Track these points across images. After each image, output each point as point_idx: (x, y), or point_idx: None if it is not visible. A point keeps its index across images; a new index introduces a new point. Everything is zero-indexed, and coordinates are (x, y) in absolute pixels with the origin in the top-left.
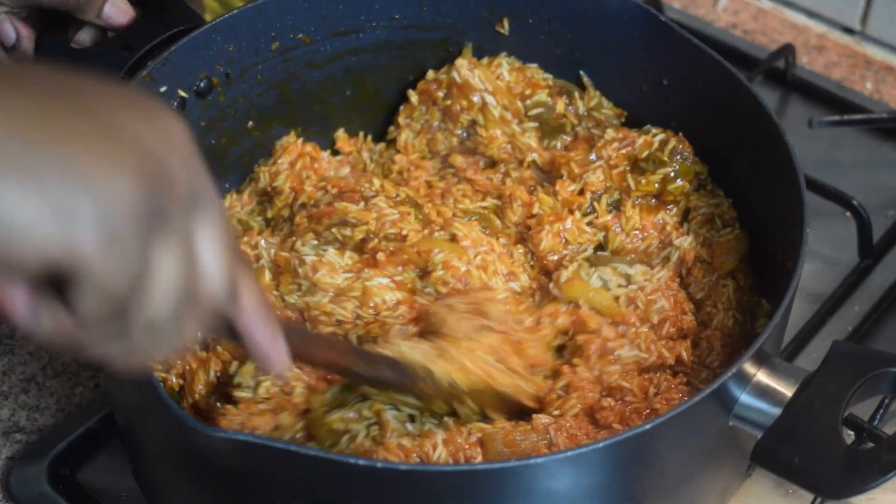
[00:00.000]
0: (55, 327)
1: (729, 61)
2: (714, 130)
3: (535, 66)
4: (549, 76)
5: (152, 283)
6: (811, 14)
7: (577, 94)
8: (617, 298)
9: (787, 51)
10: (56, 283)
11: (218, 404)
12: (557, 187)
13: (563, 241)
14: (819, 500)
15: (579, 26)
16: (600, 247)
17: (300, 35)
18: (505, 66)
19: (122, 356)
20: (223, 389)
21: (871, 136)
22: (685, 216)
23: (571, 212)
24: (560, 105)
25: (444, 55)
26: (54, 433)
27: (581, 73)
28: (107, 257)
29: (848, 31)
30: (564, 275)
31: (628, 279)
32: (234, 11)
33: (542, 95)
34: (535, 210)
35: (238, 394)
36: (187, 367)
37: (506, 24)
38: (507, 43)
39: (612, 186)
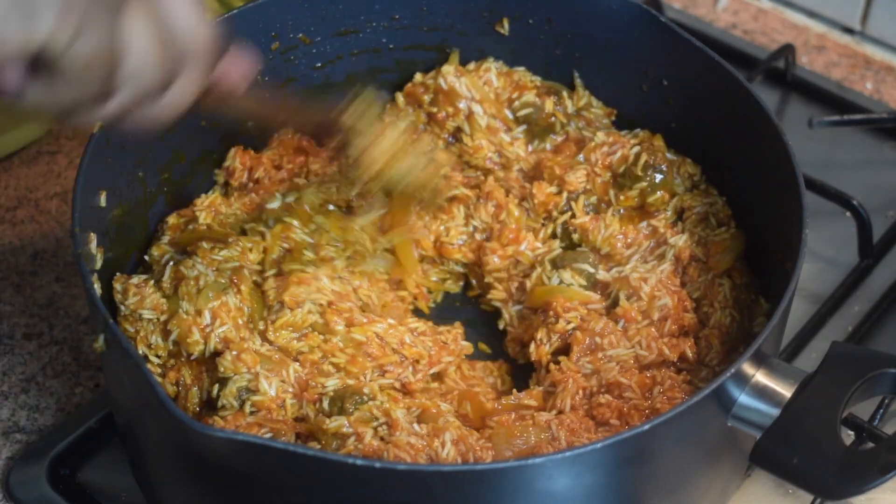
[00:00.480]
0: (37, 99)
1: (729, 61)
2: (713, 130)
3: (522, 69)
4: (538, 78)
5: (127, 46)
6: (811, 14)
7: (565, 94)
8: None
9: (787, 51)
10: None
11: (207, 420)
12: (535, 189)
13: (514, 262)
14: (819, 501)
15: (579, 26)
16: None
17: (300, 35)
18: (493, 70)
19: (130, 117)
20: (212, 410)
21: (871, 136)
22: (680, 216)
23: (536, 230)
24: (549, 104)
25: (443, 56)
26: (54, 433)
27: (574, 72)
28: (73, 34)
29: (848, 31)
30: (528, 284)
31: (591, 277)
32: (234, 11)
33: (530, 96)
34: (503, 216)
35: (223, 414)
36: (181, 381)
37: (506, 24)
38: (507, 43)
39: (592, 190)
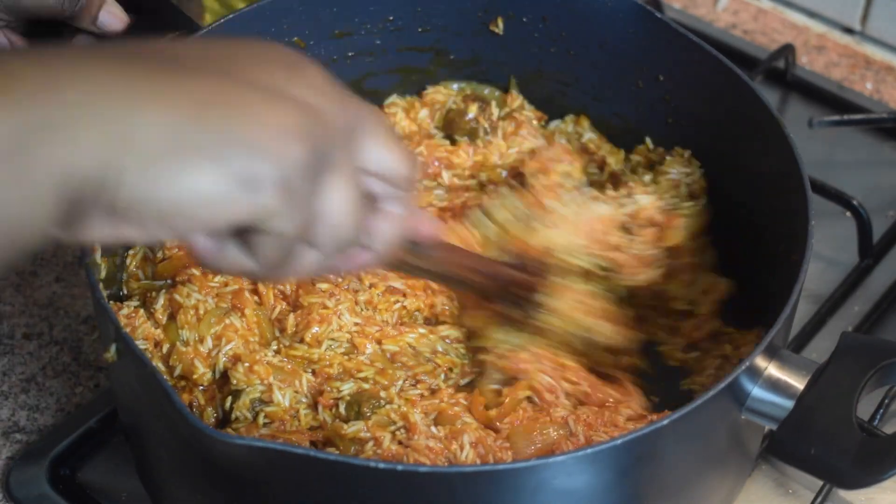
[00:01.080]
0: (235, 267)
1: (729, 61)
2: (711, 125)
3: (440, 87)
4: (464, 84)
5: (326, 209)
6: (811, 14)
7: (494, 103)
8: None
9: (787, 51)
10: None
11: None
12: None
13: None
14: (819, 500)
15: (574, 24)
16: None
17: (295, 38)
18: (400, 109)
19: (323, 271)
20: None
21: (871, 136)
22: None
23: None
24: (473, 109)
25: (439, 57)
26: (54, 433)
27: (511, 78)
28: (285, 209)
29: (848, 31)
30: None
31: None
32: (231, 15)
33: (449, 103)
34: None
35: (237, 426)
36: (196, 402)
37: (500, 23)
38: (502, 42)
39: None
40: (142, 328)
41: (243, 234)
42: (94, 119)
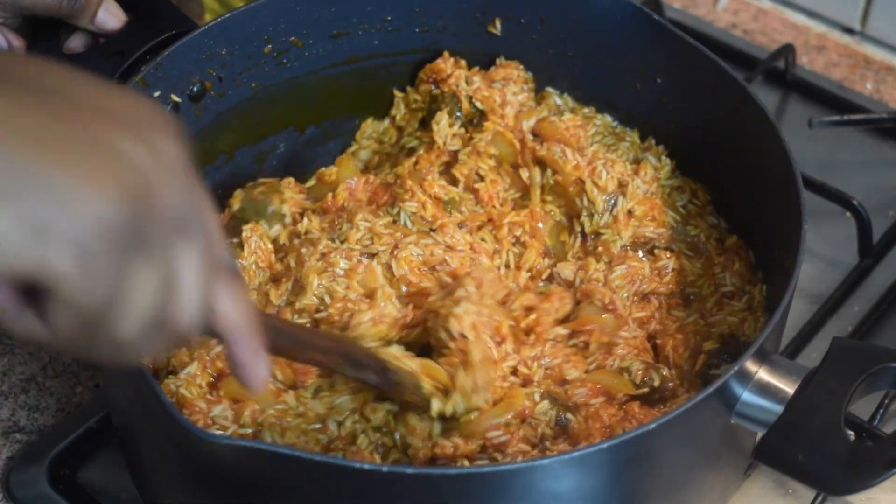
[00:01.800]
0: (30, 333)
1: (729, 61)
2: (708, 127)
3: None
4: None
5: (123, 306)
6: (811, 14)
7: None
8: None
9: (787, 51)
10: (34, 292)
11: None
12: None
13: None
14: (819, 500)
15: (572, 25)
16: None
17: (292, 38)
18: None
19: (94, 358)
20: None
21: (871, 136)
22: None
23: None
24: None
25: (437, 57)
26: (54, 433)
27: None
28: (79, 276)
29: (848, 31)
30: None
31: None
32: (227, 15)
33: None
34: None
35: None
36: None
37: (498, 24)
38: (499, 43)
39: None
40: None
41: (41, 298)
42: None
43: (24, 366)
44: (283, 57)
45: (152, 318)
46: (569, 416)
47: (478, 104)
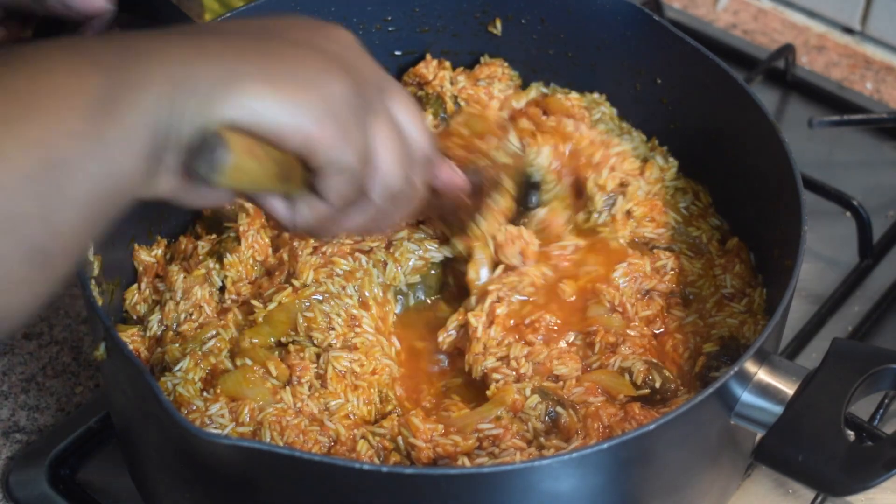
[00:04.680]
0: (314, 215)
1: (729, 61)
2: (708, 128)
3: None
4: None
5: (377, 155)
6: (811, 14)
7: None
8: None
9: (787, 51)
10: (308, 185)
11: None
12: None
13: None
14: (819, 500)
15: (572, 26)
16: None
17: None
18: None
19: (374, 224)
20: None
21: (871, 136)
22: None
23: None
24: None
25: (437, 57)
26: (54, 433)
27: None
28: (338, 141)
29: (848, 31)
30: None
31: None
32: (228, 14)
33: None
34: None
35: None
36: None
37: (498, 24)
38: (500, 44)
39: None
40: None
41: (313, 186)
42: (164, 75)
43: (24, 366)
44: None
45: (401, 157)
46: (559, 409)
47: (462, 103)
